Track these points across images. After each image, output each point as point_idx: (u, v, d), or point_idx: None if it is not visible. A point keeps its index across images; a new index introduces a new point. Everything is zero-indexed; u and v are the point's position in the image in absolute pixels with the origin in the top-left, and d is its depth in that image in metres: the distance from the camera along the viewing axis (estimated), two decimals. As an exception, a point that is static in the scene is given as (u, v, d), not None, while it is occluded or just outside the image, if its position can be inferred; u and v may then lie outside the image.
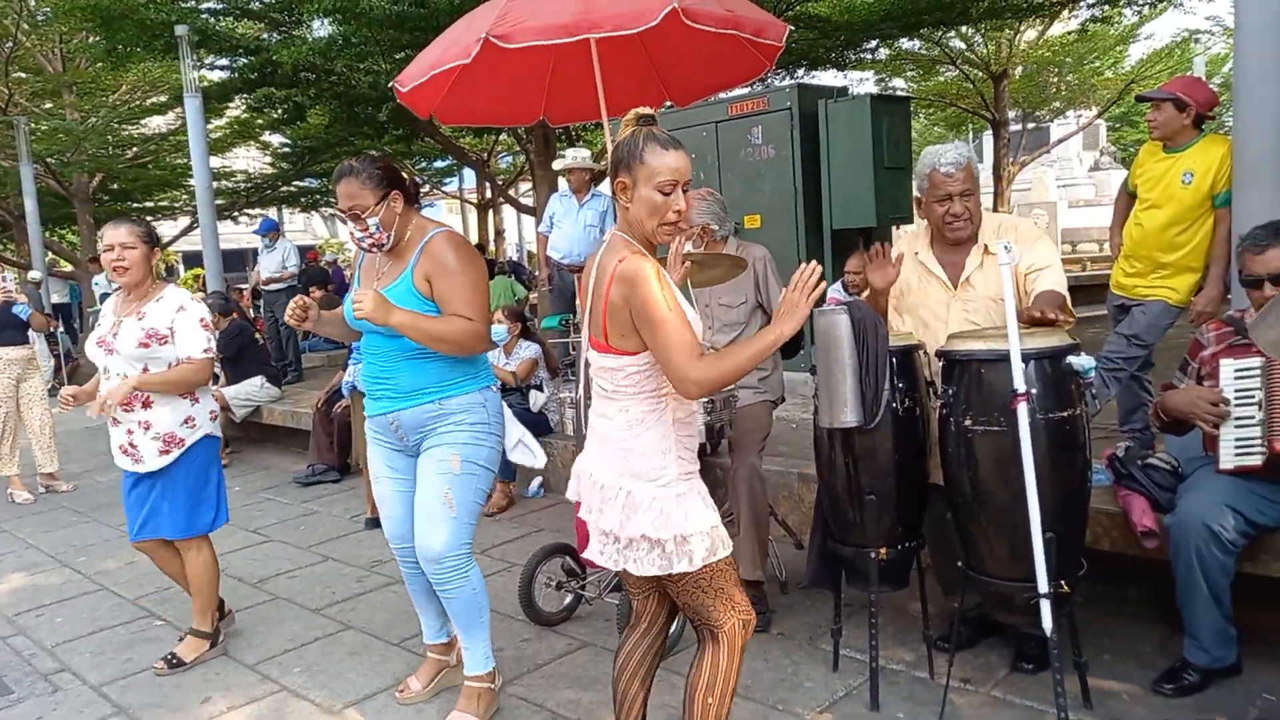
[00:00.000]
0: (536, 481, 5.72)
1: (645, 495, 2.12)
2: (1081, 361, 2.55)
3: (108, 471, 7.37)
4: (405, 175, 2.93)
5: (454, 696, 3.04)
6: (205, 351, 3.42)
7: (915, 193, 3.17)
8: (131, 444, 3.41)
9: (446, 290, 2.74)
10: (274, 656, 3.61)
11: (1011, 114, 18.04)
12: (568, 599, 3.75)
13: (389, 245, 2.83)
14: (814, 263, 2.14)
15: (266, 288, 9.86)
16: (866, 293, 3.30)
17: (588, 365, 2.27)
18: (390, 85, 4.02)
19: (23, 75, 15.73)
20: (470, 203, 24.40)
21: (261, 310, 9.69)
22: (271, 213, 20.00)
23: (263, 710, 3.18)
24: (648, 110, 2.16)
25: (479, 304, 2.77)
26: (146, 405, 3.38)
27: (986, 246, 3.04)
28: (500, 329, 5.80)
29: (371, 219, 2.76)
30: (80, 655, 3.74)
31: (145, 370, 3.36)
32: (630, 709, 2.38)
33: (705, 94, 4.53)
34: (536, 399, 5.77)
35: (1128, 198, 4.24)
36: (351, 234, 2.82)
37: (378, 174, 2.79)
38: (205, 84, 10.60)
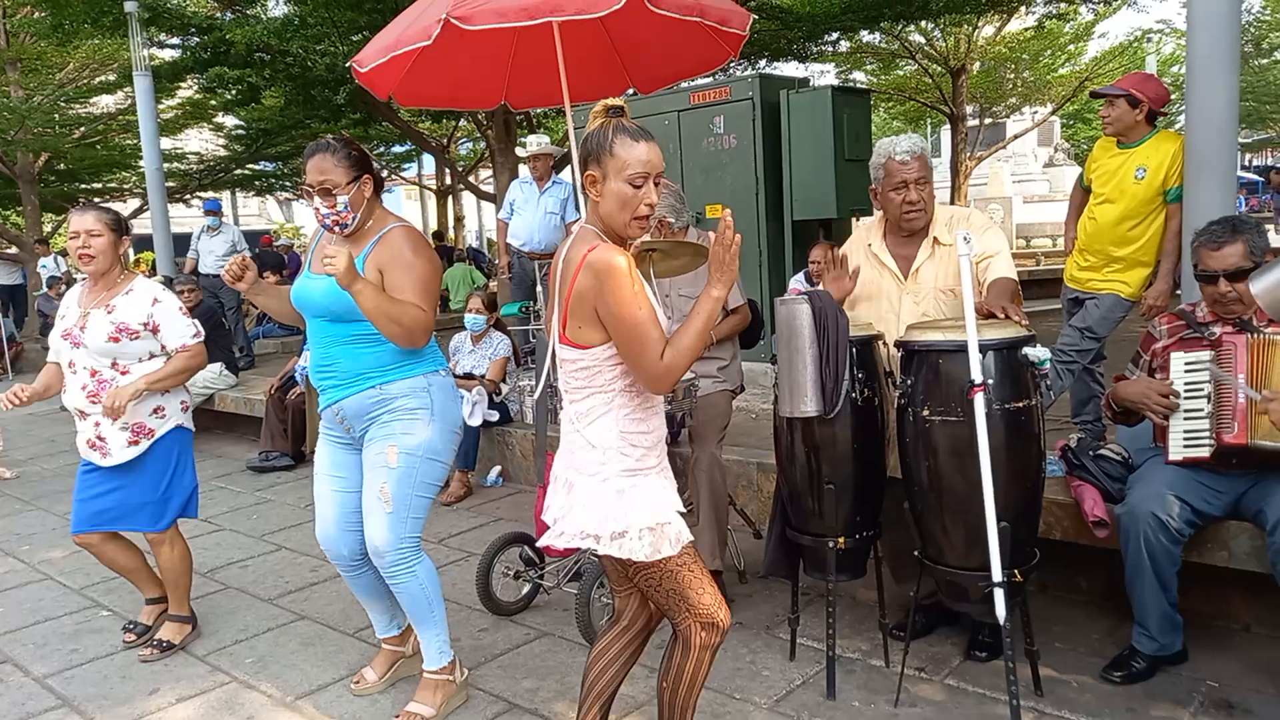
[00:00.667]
0: (495, 470, 5.67)
1: (583, 490, 2.11)
2: (1037, 353, 2.58)
3: (52, 459, 7.18)
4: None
5: (410, 686, 3.01)
6: (195, 336, 3.40)
7: (871, 184, 3.19)
8: (99, 437, 3.33)
9: (401, 280, 2.72)
10: (225, 647, 3.54)
11: (969, 109, 18.28)
12: (526, 588, 3.73)
13: (351, 227, 2.79)
14: (727, 212, 2.14)
15: (210, 271, 9.48)
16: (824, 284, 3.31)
17: (553, 358, 2.24)
18: (348, 65, 3.93)
19: (-36, 50, 15.23)
20: (429, 189, 24.16)
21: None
22: (225, 196, 19.55)
23: (213, 701, 3.12)
24: (617, 101, 2.12)
25: (431, 298, 2.77)
26: None
27: (937, 238, 3.07)
28: (479, 318, 5.74)
29: (341, 196, 2.73)
30: (24, 646, 3.64)
31: (114, 364, 3.30)
32: (596, 699, 2.37)
33: (669, 81, 4.50)
34: (501, 388, 5.72)
35: (1082, 192, 4.30)
36: (317, 210, 2.78)
37: (354, 155, 2.78)
38: (156, 63, 10.36)
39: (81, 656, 3.51)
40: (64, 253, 14.03)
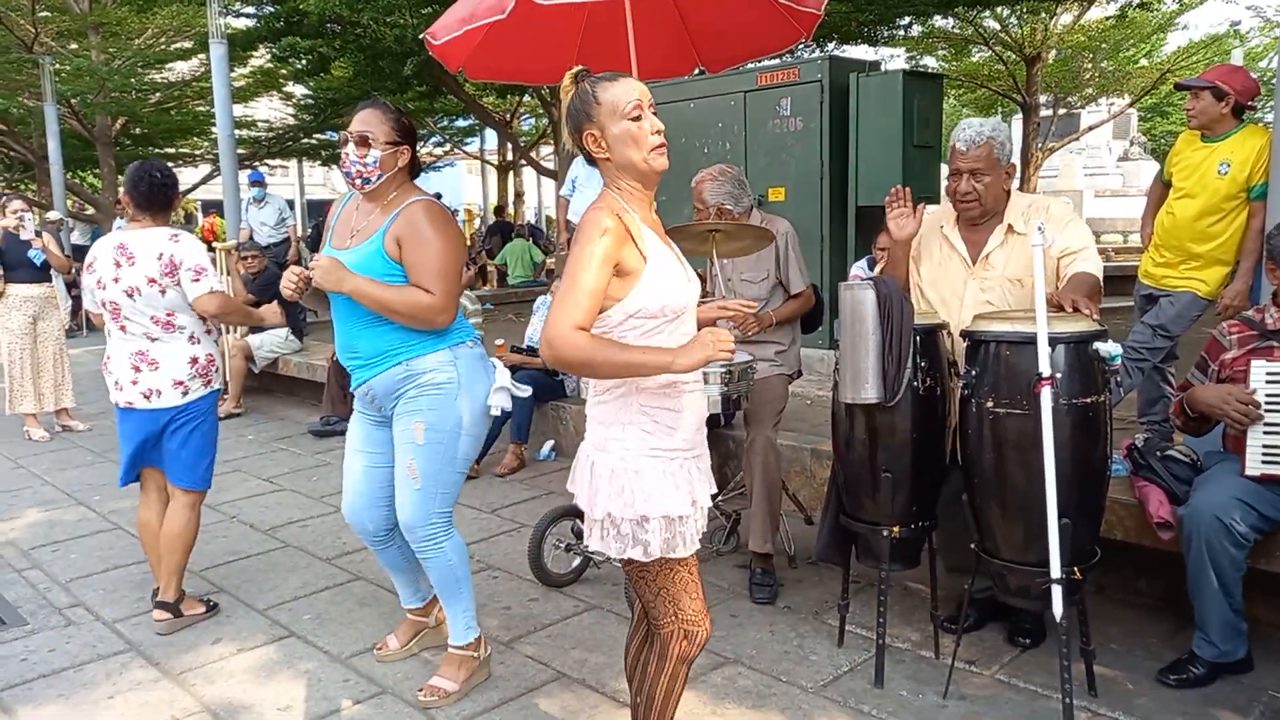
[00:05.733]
0: (549, 445, 5.73)
1: (604, 469, 2.01)
2: (1108, 348, 2.52)
3: (123, 414, 7.43)
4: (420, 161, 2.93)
5: (436, 655, 3.07)
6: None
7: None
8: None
9: (415, 258, 2.68)
10: (284, 603, 3.65)
11: (1042, 98, 17.78)
12: (576, 561, 3.77)
13: (374, 185, 2.76)
14: (727, 335, 1.94)
15: (267, 241, 9.83)
16: (883, 264, 3.27)
17: None
18: (421, 37, 3.98)
19: (48, 14, 15.64)
20: (491, 164, 24.29)
21: None
22: (291, 165, 19.78)
23: (273, 654, 3.22)
24: (581, 68, 2.04)
25: (446, 278, 2.69)
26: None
27: (1011, 225, 2.99)
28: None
29: (376, 150, 2.71)
30: (94, 591, 3.79)
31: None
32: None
33: (739, 61, 4.47)
34: None
35: (1162, 187, 4.19)
36: (346, 156, 2.74)
37: (402, 123, 2.78)
38: (231, 31, 10.54)
39: (148, 605, 3.62)
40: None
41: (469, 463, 2.88)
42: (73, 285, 11.43)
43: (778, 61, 6.66)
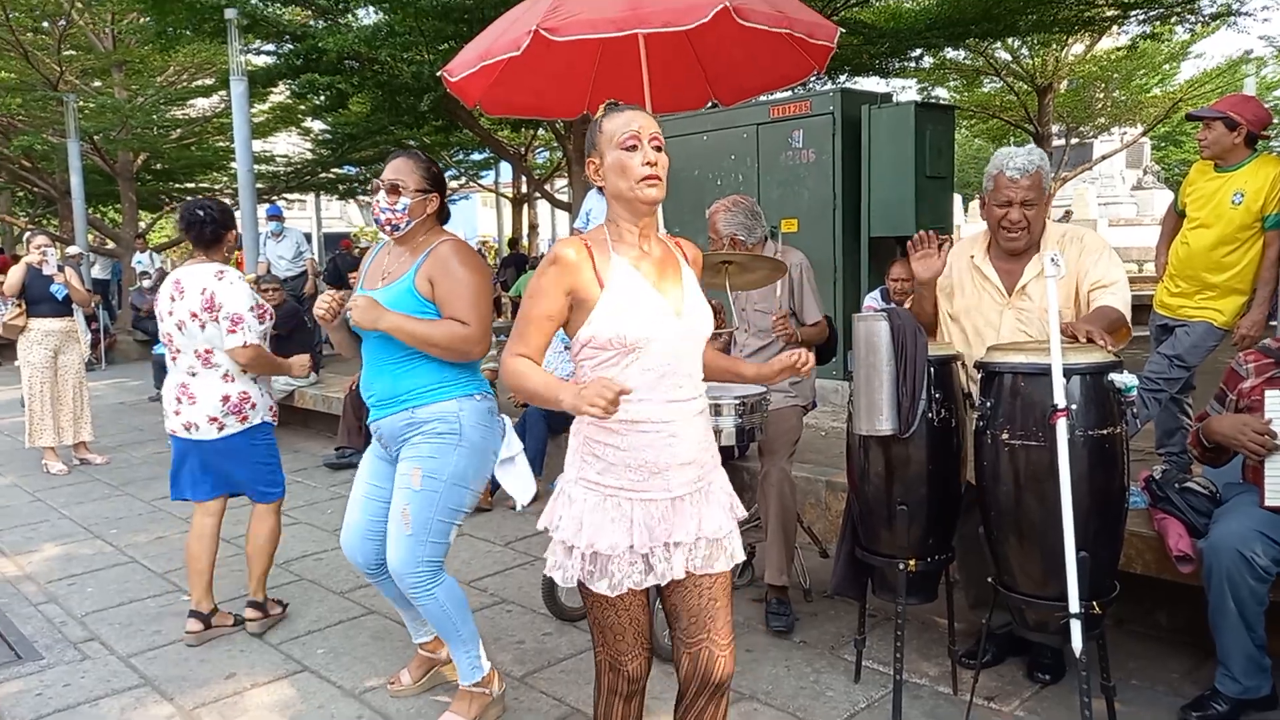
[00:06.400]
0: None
1: (556, 488, 2.10)
2: (1124, 379, 2.50)
3: (141, 447, 7.47)
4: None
5: (450, 690, 3.05)
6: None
7: (982, 192, 3.12)
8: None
9: (448, 293, 2.76)
10: (298, 637, 3.64)
11: (1055, 128, 17.83)
12: (590, 595, 3.74)
13: (403, 231, 2.85)
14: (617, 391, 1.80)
15: (285, 274, 10.00)
16: (909, 301, 3.26)
17: None
18: (438, 74, 4.04)
19: (73, 53, 15.97)
20: (506, 196, 24.50)
21: None
22: (309, 199, 19.93)
23: (286, 689, 3.21)
24: (611, 101, 2.10)
25: (479, 310, 2.77)
26: None
27: None
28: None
29: (405, 198, 2.81)
30: (110, 625, 3.80)
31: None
32: None
33: (752, 94, 4.51)
34: None
35: (1176, 217, 4.18)
36: (377, 203, 2.85)
37: (432, 172, 2.88)
38: (251, 68, 10.71)
39: (163, 638, 3.64)
40: (159, 249, 14.59)
41: (461, 514, 2.86)
42: (92, 319, 11.57)
43: (790, 94, 6.71)
